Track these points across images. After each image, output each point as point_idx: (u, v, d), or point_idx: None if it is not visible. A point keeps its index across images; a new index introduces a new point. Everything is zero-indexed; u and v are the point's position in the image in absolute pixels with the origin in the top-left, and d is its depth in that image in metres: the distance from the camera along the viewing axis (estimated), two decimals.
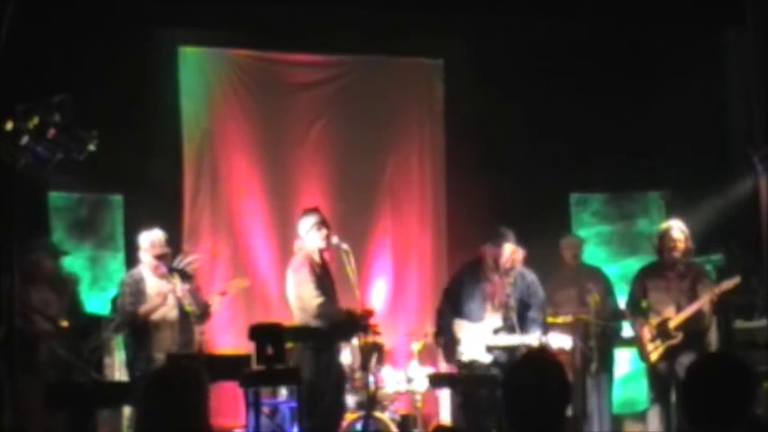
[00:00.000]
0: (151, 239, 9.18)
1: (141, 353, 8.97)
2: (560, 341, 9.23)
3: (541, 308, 9.51)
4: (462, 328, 9.38)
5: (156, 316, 9.00)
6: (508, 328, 9.18)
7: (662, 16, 11.29)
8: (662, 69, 11.57)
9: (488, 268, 9.42)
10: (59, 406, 8.41)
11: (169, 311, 9.04)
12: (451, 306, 9.50)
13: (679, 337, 9.57)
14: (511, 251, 9.37)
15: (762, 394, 9.42)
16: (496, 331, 9.22)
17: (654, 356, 9.69)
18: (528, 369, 4.34)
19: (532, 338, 9.12)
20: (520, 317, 9.23)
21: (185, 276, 9.14)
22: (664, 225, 9.99)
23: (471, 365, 9.23)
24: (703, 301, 9.56)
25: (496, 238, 9.37)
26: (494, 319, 9.28)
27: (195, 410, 4.51)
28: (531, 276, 9.47)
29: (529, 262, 9.91)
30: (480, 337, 9.25)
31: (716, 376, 4.32)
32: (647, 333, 9.68)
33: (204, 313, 9.24)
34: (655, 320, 9.65)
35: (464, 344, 9.31)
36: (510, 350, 9.10)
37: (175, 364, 7.59)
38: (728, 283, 9.57)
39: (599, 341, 10.12)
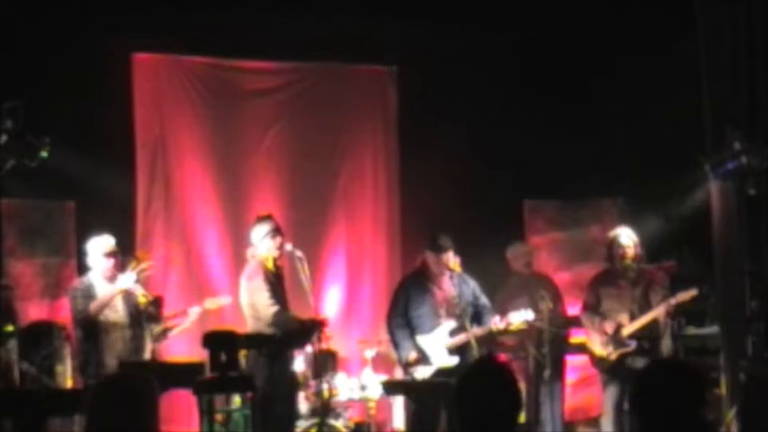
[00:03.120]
0: (101, 245, 9.14)
1: (92, 358, 8.90)
2: (523, 315, 9.29)
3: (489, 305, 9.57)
4: (422, 342, 9.36)
5: (106, 319, 8.94)
6: (462, 327, 9.18)
7: (615, 24, 11.37)
8: (616, 77, 11.63)
9: (434, 276, 9.41)
10: (9, 413, 8.32)
11: (119, 316, 9.00)
12: (403, 319, 9.39)
13: (632, 345, 9.60)
14: (453, 258, 9.36)
15: (712, 401, 9.47)
16: (453, 332, 9.24)
17: (606, 363, 9.73)
18: (478, 377, 4.36)
19: (493, 323, 9.23)
20: (473, 317, 9.28)
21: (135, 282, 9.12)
22: (611, 233, 10.01)
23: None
24: (658, 312, 9.59)
25: (438, 246, 9.35)
26: (449, 324, 9.30)
27: (144, 419, 4.50)
28: (472, 281, 9.50)
29: (483, 269, 9.96)
30: (440, 344, 9.25)
31: (666, 383, 4.33)
32: (601, 338, 9.72)
33: (157, 304, 9.22)
34: (610, 326, 9.68)
35: (429, 355, 9.30)
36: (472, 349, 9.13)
37: (125, 372, 7.55)
38: (685, 295, 9.54)
39: (551, 348, 10.15)
